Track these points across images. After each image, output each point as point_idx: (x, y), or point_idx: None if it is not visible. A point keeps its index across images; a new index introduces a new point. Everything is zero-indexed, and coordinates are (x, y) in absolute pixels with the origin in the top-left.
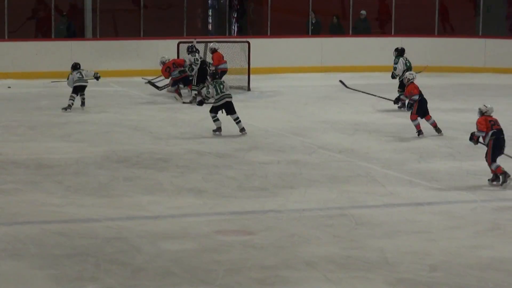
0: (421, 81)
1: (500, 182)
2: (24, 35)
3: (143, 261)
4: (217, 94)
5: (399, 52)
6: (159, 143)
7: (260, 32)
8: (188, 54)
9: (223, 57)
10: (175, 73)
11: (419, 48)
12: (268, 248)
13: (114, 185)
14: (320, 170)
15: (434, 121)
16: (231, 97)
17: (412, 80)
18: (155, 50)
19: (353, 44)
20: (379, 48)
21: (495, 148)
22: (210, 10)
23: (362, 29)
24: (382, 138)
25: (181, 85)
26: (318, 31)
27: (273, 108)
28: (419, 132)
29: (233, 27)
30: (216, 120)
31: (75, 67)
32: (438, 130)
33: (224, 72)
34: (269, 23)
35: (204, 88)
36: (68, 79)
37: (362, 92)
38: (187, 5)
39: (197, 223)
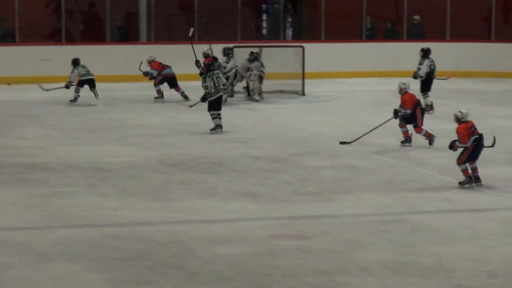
0: (477, 87)
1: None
2: (80, 39)
3: (198, 265)
4: (214, 87)
5: (425, 53)
6: (213, 147)
7: (314, 37)
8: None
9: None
10: (168, 70)
11: (474, 54)
12: (323, 253)
13: (169, 189)
14: (375, 175)
15: (426, 131)
16: (225, 92)
17: (405, 90)
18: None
19: (407, 49)
20: (433, 53)
21: (473, 152)
22: (264, 15)
23: (416, 34)
24: (438, 144)
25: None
26: (372, 36)
27: (327, 113)
28: (407, 140)
29: (288, 32)
30: (215, 117)
31: (77, 62)
32: (431, 140)
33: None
34: (323, 28)
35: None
36: (72, 73)
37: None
38: (241, 9)
39: (252, 227)
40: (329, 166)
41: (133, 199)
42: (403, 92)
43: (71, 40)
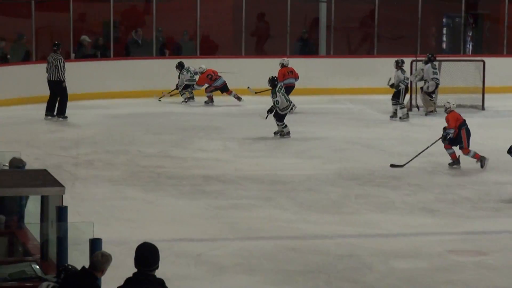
0: None
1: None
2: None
3: (374, 279)
4: (287, 101)
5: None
6: (391, 161)
7: (495, 51)
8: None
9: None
10: (219, 82)
11: None
12: (501, 269)
13: (346, 203)
14: None
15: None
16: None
17: (450, 109)
18: (388, 68)
19: None
20: None
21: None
22: (445, 29)
23: None
24: None
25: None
26: None
27: (509, 127)
28: (454, 162)
29: (468, 46)
30: (285, 126)
31: (183, 65)
32: (482, 162)
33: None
34: (505, 41)
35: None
36: (179, 78)
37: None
38: (421, 23)
39: (430, 242)
40: (510, 181)
41: (310, 212)
42: (448, 111)
43: (249, 53)
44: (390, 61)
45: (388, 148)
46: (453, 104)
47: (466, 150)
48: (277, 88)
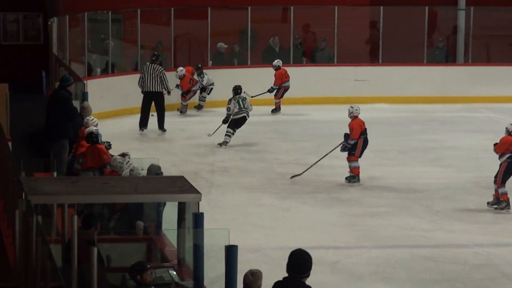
0: None
1: (502, 207)
2: (399, 60)
3: None
4: (239, 109)
5: None
6: None
7: None
8: None
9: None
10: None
11: None
12: None
13: (483, 211)
14: None
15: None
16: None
17: (354, 115)
18: None
19: None
20: None
21: (507, 170)
22: None
23: None
24: None
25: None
26: None
27: None
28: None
29: None
30: (230, 135)
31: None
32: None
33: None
34: None
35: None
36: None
37: None
38: None
39: None
40: None
41: (447, 220)
42: (351, 116)
43: (386, 60)
44: None
45: None
46: (356, 109)
47: (352, 158)
48: (234, 98)
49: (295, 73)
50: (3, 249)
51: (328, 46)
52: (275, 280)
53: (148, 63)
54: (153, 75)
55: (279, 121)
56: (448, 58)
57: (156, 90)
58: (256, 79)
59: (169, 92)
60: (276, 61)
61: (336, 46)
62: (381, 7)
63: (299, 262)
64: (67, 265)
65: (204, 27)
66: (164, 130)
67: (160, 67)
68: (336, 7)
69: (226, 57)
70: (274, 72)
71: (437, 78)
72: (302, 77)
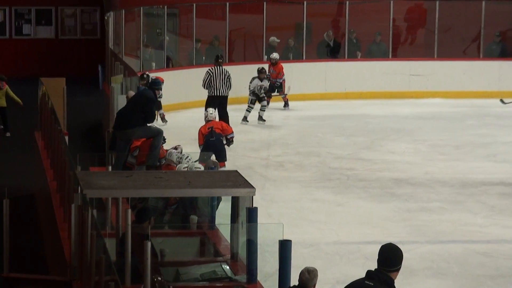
0: None
1: None
2: (455, 55)
3: None
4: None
5: None
6: None
7: None
8: None
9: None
10: None
11: None
12: None
13: None
14: None
15: None
16: None
17: None
18: None
19: None
20: None
21: None
22: None
23: None
24: None
25: None
26: None
27: None
28: None
29: None
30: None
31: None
32: None
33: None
34: None
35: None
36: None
37: None
38: None
39: None
40: None
41: (502, 216)
42: (206, 120)
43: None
44: None
45: None
46: (211, 113)
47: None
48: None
49: (348, 67)
50: (59, 243)
51: (382, 41)
52: (328, 275)
53: (215, 66)
54: (223, 78)
55: (334, 115)
56: (504, 52)
57: (224, 94)
58: (311, 74)
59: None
60: (275, 54)
61: (391, 40)
62: (437, 2)
63: (387, 256)
64: (121, 259)
65: (259, 21)
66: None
67: (227, 70)
68: (391, 1)
69: (281, 51)
70: (272, 66)
71: (493, 72)
72: (356, 71)
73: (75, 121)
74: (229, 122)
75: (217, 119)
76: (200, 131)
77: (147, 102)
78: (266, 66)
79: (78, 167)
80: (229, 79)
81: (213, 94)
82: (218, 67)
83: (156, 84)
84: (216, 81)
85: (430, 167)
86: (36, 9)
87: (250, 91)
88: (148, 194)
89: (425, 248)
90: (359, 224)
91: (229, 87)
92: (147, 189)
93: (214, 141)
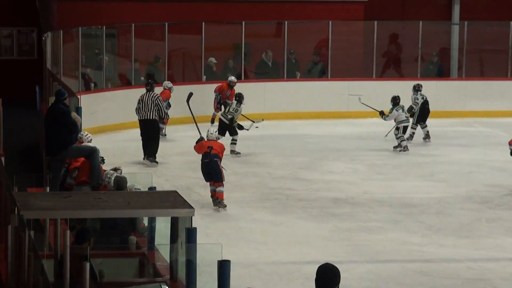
0: None
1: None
2: (393, 75)
3: None
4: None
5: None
6: None
7: None
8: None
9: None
10: None
11: None
12: None
13: (476, 226)
14: None
15: None
16: None
17: None
18: None
19: None
20: None
21: None
22: None
23: None
24: None
25: None
26: None
27: None
28: None
29: None
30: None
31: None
32: None
33: None
34: None
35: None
36: (390, 113)
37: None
38: None
39: None
40: None
41: (439, 235)
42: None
43: (379, 75)
44: None
45: None
46: (211, 134)
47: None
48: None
49: (287, 87)
50: None
51: (321, 61)
52: None
53: (147, 93)
54: (150, 103)
55: (273, 135)
56: (441, 72)
57: (153, 117)
58: (251, 94)
59: (163, 118)
60: (234, 77)
61: (330, 60)
62: (375, 22)
63: (324, 277)
64: (60, 281)
65: (198, 41)
66: (156, 162)
67: (157, 94)
68: (330, 22)
69: (220, 72)
70: (229, 88)
71: (430, 92)
72: (295, 91)
73: (12, 142)
74: (157, 151)
75: (219, 140)
76: (202, 144)
77: (63, 116)
78: (204, 86)
79: (15, 188)
80: (155, 102)
81: (139, 118)
82: (148, 93)
83: (62, 95)
84: (141, 106)
85: (369, 186)
86: None
87: (236, 122)
88: (87, 215)
89: (364, 267)
90: (298, 244)
91: (161, 110)
92: (85, 210)
93: (207, 162)
